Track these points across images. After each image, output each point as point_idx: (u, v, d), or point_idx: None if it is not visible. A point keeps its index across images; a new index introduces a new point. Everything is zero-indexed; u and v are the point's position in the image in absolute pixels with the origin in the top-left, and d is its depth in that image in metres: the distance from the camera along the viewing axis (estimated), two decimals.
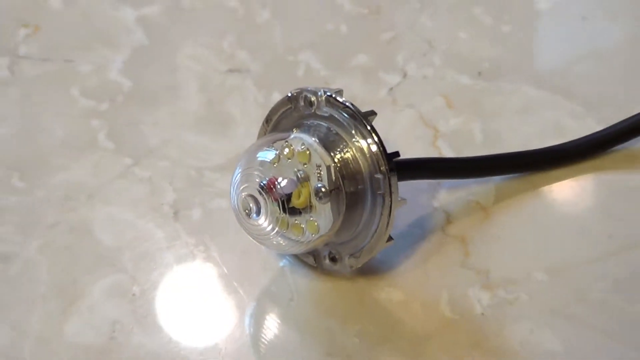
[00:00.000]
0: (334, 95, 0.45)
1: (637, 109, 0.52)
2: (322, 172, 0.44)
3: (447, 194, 0.51)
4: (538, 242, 0.49)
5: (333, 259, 0.47)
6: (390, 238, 0.46)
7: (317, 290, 0.48)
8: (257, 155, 0.45)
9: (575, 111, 0.53)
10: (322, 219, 0.44)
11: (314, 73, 0.55)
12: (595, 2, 0.58)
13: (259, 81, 0.55)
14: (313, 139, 0.45)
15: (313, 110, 0.46)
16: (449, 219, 0.50)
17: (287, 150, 0.44)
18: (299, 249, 0.46)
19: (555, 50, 0.57)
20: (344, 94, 0.45)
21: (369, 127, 0.45)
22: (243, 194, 0.45)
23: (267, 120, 0.48)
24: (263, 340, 0.46)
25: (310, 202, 0.44)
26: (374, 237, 0.46)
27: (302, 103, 0.46)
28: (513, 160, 0.51)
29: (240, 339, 0.46)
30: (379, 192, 0.45)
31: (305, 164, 0.44)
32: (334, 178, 0.44)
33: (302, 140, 0.44)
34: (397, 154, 0.45)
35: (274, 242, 0.45)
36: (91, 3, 0.58)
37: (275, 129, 0.48)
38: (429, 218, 0.50)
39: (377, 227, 0.45)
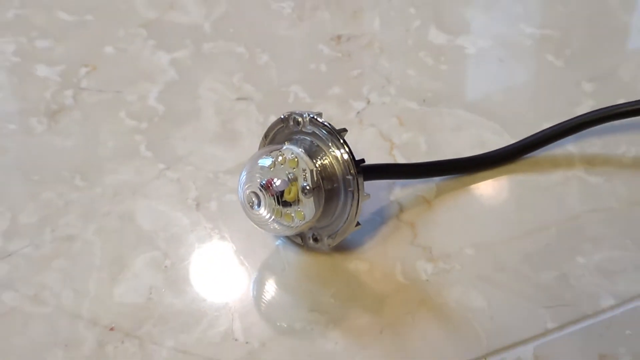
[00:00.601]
0: (315, 117, 0.45)
1: (541, 127, 0.52)
2: (307, 174, 0.44)
3: (400, 190, 0.51)
4: (468, 226, 0.49)
5: (315, 239, 0.47)
6: (358, 223, 0.46)
7: (303, 262, 0.48)
8: (258, 162, 0.45)
9: (495, 128, 0.54)
10: (307, 210, 0.44)
11: (300, 100, 0.55)
12: (509, 49, 0.58)
13: (259, 107, 0.55)
14: (300, 149, 0.45)
15: (300, 128, 0.46)
16: (401, 209, 0.50)
17: (280, 158, 0.44)
18: (289, 232, 0.46)
19: (480, 83, 0.57)
20: (323, 116, 0.45)
21: (341, 141, 0.45)
22: (248, 190, 0.45)
23: (266, 135, 0.48)
24: (263, 299, 0.46)
25: (298, 197, 0.44)
26: (345, 222, 0.46)
27: (291, 123, 0.46)
28: (449, 165, 0.51)
29: (246, 299, 0.46)
30: (349, 189, 0.45)
31: (294, 168, 0.44)
32: (315, 179, 0.44)
33: (291, 150, 0.44)
34: (363, 160, 0.45)
35: (271, 227, 0.45)
36: (135, 49, 0.58)
37: (272, 142, 0.48)
38: (387, 208, 0.50)
39: (348, 215, 0.45)
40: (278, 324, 0.45)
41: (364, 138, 0.53)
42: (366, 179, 0.45)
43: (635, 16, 0.60)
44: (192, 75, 0.57)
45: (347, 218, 0.45)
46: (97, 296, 0.46)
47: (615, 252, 0.47)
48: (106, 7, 0.60)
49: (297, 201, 0.44)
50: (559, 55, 0.57)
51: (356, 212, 0.45)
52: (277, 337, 0.44)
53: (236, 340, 0.44)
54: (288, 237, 0.48)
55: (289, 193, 0.44)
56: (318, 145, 0.45)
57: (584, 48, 0.57)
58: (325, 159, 0.45)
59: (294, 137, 0.47)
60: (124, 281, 0.47)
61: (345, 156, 0.45)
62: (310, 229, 0.47)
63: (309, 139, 0.46)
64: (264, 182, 0.44)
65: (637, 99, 0.52)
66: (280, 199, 0.44)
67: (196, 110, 0.55)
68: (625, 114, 0.52)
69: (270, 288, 0.47)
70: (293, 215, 0.44)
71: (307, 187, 0.44)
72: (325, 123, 0.45)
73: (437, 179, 0.51)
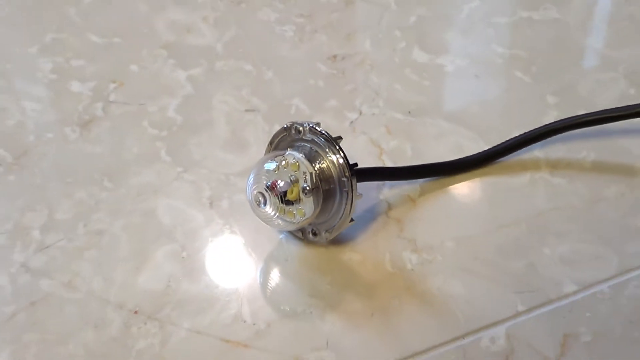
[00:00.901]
0: (314, 126, 0.45)
1: (511, 134, 0.52)
2: (307, 177, 0.44)
3: (388, 190, 0.50)
4: (448, 222, 0.49)
5: (314, 234, 0.47)
6: (352, 219, 0.45)
7: (304, 254, 0.47)
8: (264, 166, 0.44)
9: (471, 136, 0.53)
10: (307, 208, 0.44)
11: (301, 112, 0.55)
12: (482, 67, 0.57)
13: (265, 117, 0.54)
14: (301, 155, 0.44)
15: (301, 136, 0.46)
16: (389, 207, 0.50)
17: (283, 162, 0.44)
18: (291, 227, 0.46)
19: (458, 97, 0.57)
20: (321, 125, 0.45)
21: (337, 147, 0.44)
22: (255, 191, 0.44)
23: (271, 142, 0.48)
24: (268, 286, 0.46)
25: (299, 196, 0.43)
26: (341, 219, 0.45)
27: (293, 131, 0.46)
28: (431, 168, 0.51)
29: (253, 285, 0.46)
30: (344, 190, 0.44)
31: (296, 171, 0.44)
32: (314, 181, 0.44)
33: (293, 155, 0.44)
34: (356, 164, 0.45)
35: (275, 223, 0.45)
36: (157, 67, 0.57)
37: (276, 148, 0.47)
38: (377, 206, 0.50)
39: (343, 212, 0.45)
40: (282, 308, 0.45)
41: (356, 145, 0.53)
42: (359, 180, 0.45)
43: (591, 39, 0.60)
44: (206, 89, 0.56)
45: (342, 215, 0.45)
46: (123, 283, 0.46)
47: (577, 244, 0.47)
48: (131, 30, 0.60)
49: (298, 200, 0.44)
50: (526, 72, 0.57)
51: (350, 210, 0.45)
52: (281, 319, 0.44)
53: (245, 322, 0.44)
54: (290, 232, 0.48)
55: (291, 193, 0.43)
56: (316, 151, 0.45)
57: (548, 66, 0.57)
58: (323, 163, 0.45)
59: (296, 144, 0.46)
60: (147, 270, 0.46)
61: (341, 160, 0.44)
62: (310, 224, 0.46)
63: (308, 145, 0.45)
64: (269, 183, 0.44)
65: (594, 110, 0.52)
66: (284, 198, 0.43)
67: (210, 120, 0.54)
68: (585, 124, 0.52)
69: (275, 276, 0.47)
70: (295, 212, 0.44)
71: (307, 188, 0.43)
72: (323, 131, 0.45)
73: (420, 180, 0.51)
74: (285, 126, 0.46)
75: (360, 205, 0.48)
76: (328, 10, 0.61)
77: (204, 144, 0.53)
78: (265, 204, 0.44)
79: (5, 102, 0.55)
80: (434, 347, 0.43)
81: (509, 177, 0.51)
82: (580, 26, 0.60)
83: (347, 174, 0.44)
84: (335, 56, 0.58)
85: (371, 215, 0.49)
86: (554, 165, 0.51)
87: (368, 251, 0.47)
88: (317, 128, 0.45)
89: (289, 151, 0.45)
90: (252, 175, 0.45)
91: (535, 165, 0.52)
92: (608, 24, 0.61)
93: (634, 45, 0.58)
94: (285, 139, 0.47)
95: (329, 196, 0.45)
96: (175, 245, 0.48)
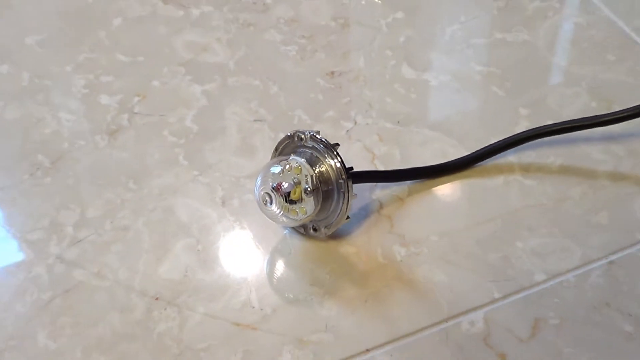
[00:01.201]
0: (315, 134, 0.45)
1: (488, 142, 0.52)
2: (308, 179, 0.43)
3: (380, 191, 0.50)
4: (432, 218, 0.48)
5: (315, 229, 0.46)
6: (348, 217, 0.45)
7: (305, 247, 0.47)
8: (270, 169, 0.44)
9: (453, 143, 0.53)
10: (308, 206, 0.44)
11: (303, 122, 0.54)
12: (463, 82, 0.57)
13: (271, 126, 0.54)
14: (303, 159, 0.44)
15: (302, 143, 0.45)
16: (381, 205, 0.49)
17: (287, 166, 0.44)
18: (295, 224, 0.46)
19: (441, 108, 0.56)
20: (320, 133, 0.45)
21: (335, 153, 0.44)
22: (262, 191, 0.44)
23: (276, 148, 0.47)
24: (273, 275, 0.46)
25: (301, 196, 0.43)
26: (338, 216, 0.45)
27: (296, 139, 0.45)
28: (417, 172, 0.50)
29: (260, 275, 0.45)
30: (341, 190, 0.44)
31: (298, 174, 0.43)
32: (315, 182, 0.43)
33: (296, 160, 0.44)
34: (351, 168, 0.45)
35: (280, 220, 0.45)
36: (176, 82, 0.57)
37: (281, 154, 0.47)
38: (370, 205, 0.49)
39: (340, 210, 0.45)
40: (285, 295, 0.44)
41: (352, 150, 0.52)
42: (354, 182, 0.45)
43: (557, 58, 0.59)
44: (219, 102, 0.56)
45: (340, 212, 0.45)
46: (146, 273, 0.45)
47: (546, 238, 0.47)
48: (153, 50, 0.59)
49: (300, 200, 0.43)
50: (501, 87, 0.57)
51: (347, 208, 0.44)
52: (285, 305, 0.44)
53: (253, 307, 0.44)
54: (293, 228, 0.48)
55: (294, 193, 0.43)
56: (317, 156, 0.45)
57: (519, 82, 0.57)
58: (323, 166, 0.44)
59: (298, 150, 0.46)
60: (166, 261, 0.46)
61: (338, 165, 0.44)
62: (311, 221, 0.46)
63: (309, 151, 0.45)
64: (274, 185, 0.43)
65: (561, 121, 0.52)
66: (288, 198, 0.43)
67: (222, 129, 0.54)
68: (552, 132, 0.51)
69: (280, 267, 0.46)
70: (297, 210, 0.44)
71: (308, 189, 0.43)
72: (322, 139, 0.44)
73: (408, 182, 0.50)
74: (289, 134, 0.46)
75: (355, 204, 0.48)
76: (327, 32, 0.61)
77: (217, 150, 0.52)
78: (271, 203, 0.43)
79: (44, 113, 0.55)
80: (420, 329, 0.42)
81: (486, 179, 0.50)
82: (547, 47, 0.60)
83: (343, 176, 0.44)
84: (332, 72, 0.58)
85: (365, 213, 0.48)
86: (526, 169, 0.51)
87: (362, 245, 0.47)
88: (317, 136, 0.45)
89: (292, 156, 0.45)
90: (259, 178, 0.44)
91: (509, 169, 0.51)
92: (571, 45, 0.60)
93: (594, 63, 0.58)
94: (289, 145, 0.46)
95: (327, 196, 0.44)
96: (191, 239, 0.47)
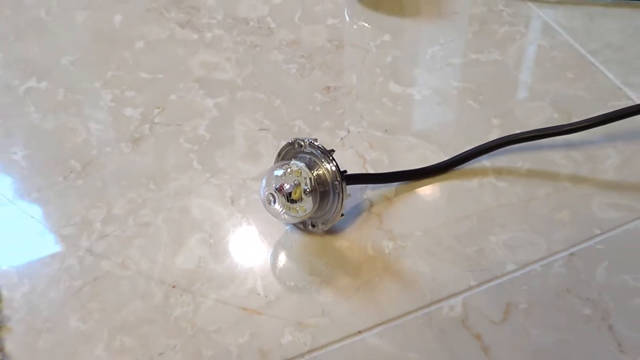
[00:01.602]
0: (313, 141, 0.44)
1: (465, 148, 0.51)
2: (307, 181, 0.43)
3: (370, 191, 0.49)
4: (416, 216, 0.48)
5: (313, 225, 0.46)
6: (342, 214, 0.44)
7: (305, 241, 0.46)
8: (274, 172, 0.43)
9: (433, 149, 0.52)
10: (307, 205, 0.43)
11: (302, 131, 0.54)
12: (442, 96, 0.57)
13: (274, 135, 0.53)
14: (302, 164, 0.43)
15: (302, 149, 0.44)
16: (371, 204, 0.48)
17: (289, 169, 0.43)
18: (295, 221, 0.45)
19: (424, 119, 0.56)
20: (318, 141, 0.44)
21: (331, 158, 0.43)
22: (266, 192, 0.43)
23: (279, 154, 0.46)
24: (277, 267, 0.45)
25: (301, 196, 0.42)
26: (334, 214, 0.44)
27: (296, 145, 0.45)
28: (403, 174, 0.50)
29: (265, 266, 0.45)
30: (336, 191, 0.43)
31: (298, 176, 0.43)
32: (313, 184, 0.43)
33: (296, 164, 0.43)
34: (345, 171, 0.44)
35: (283, 217, 0.44)
36: (191, 96, 0.57)
37: (283, 159, 0.46)
38: (362, 204, 0.48)
39: (335, 209, 0.44)
40: (287, 284, 0.44)
41: (345, 156, 0.51)
42: (348, 184, 0.44)
43: (524, 75, 0.59)
44: (229, 114, 0.55)
45: (335, 211, 0.44)
46: (164, 264, 0.44)
47: (516, 233, 0.46)
48: (171, 69, 0.59)
49: (300, 199, 0.42)
50: (475, 100, 0.56)
51: (341, 207, 0.44)
52: (287, 292, 0.43)
53: (258, 294, 0.43)
54: (294, 224, 0.47)
55: (295, 194, 0.42)
56: (315, 161, 0.44)
57: (492, 96, 0.56)
58: (320, 170, 0.43)
59: (298, 155, 0.45)
60: (182, 253, 0.45)
61: (334, 168, 0.43)
62: (310, 218, 0.45)
63: (308, 156, 0.44)
64: (277, 186, 0.42)
65: (528, 130, 0.51)
66: (289, 198, 0.42)
67: (231, 137, 0.53)
68: (521, 140, 0.51)
69: (282, 259, 0.45)
70: (298, 209, 0.43)
71: (307, 190, 0.42)
72: (320, 146, 0.44)
73: (395, 183, 0.49)
74: (290, 141, 0.45)
75: (348, 203, 0.47)
76: (323, 53, 0.60)
77: (226, 156, 0.51)
78: (274, 202, 0.43)
79: (76, 124, 0.54)
80: (406, 313, 0.42)
81: (463, 182, 0.50)
82: (515, 66, 0.59)
83: (338, 178, 0.43)
84: (328, 87, 0.57)
85: (357, 211, 0.48)
86: (498, 172, 0.50)
87: (355, 239, 0.46)
88: (315, 143, 0.44)
89: (293, 161, 0.44)
90: (264, 180, 0.44)
91: (483, 172, 0.50)
92: (536, 65, 0.60)
93: (556, 81, 0.58)
94: (290, 151, 0.45)
95: (324, 196, 0.44)
96: (204, 234, 0.46)
